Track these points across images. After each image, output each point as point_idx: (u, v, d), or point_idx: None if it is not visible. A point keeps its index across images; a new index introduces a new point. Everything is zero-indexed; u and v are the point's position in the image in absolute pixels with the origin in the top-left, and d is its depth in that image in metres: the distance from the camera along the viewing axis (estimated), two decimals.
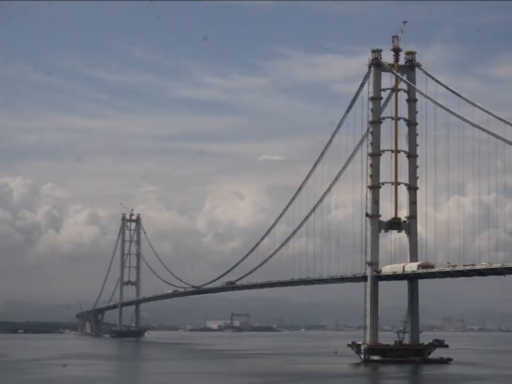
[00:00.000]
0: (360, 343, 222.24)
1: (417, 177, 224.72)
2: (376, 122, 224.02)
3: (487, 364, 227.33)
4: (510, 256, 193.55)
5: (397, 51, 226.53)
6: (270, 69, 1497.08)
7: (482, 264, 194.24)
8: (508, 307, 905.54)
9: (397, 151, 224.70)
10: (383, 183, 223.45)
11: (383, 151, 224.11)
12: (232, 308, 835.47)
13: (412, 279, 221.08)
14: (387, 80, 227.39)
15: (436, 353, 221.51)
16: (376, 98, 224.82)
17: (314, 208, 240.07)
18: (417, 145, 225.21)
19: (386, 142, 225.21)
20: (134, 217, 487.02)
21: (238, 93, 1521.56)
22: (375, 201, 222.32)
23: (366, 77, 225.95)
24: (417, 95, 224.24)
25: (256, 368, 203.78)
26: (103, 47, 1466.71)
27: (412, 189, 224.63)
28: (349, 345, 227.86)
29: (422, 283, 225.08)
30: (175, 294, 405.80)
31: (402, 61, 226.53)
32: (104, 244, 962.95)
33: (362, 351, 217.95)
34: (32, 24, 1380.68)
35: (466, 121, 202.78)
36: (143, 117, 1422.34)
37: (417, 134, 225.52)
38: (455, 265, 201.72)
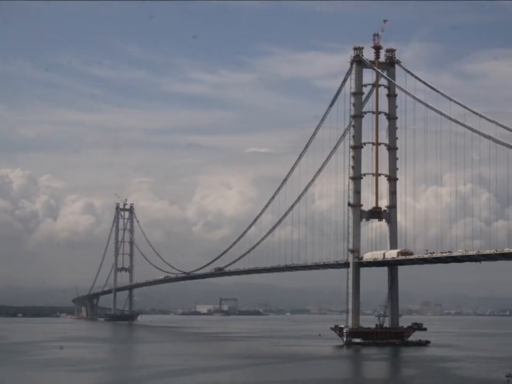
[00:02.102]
0: (342, 326, 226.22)
1: (397, 169, 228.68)
2: (358, 116, 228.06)
3: (463, 346, 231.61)
4: (485, 243, 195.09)
5: (377, 49, 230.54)
6: (257, 65, 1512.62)
7: (459, 251, 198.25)
8: (483, 292, 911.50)
9: (377, 144, 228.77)
10: (364, 174, 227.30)
11: (365, 143, 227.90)
12: (220, 293, 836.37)
13: (391, 265, 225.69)
14: (368, 76, 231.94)
15: (415, 336, 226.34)
16: (357, 94, 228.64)
17: (299, 198, 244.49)
18: (397, 138, 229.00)
19: (367, 135, 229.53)
20: (127, 207, 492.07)
21: (226, 89, 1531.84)
22: (357, 192, 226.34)
23: (348, 73, 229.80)
24: (397, 91, 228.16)
25: (243, 350, 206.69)
26: (98, 45, 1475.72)
27: (392, 179, 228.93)
28: (332, 328, 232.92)
29: (401, 269, 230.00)
30: (166, 280, 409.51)
31: (382, 58, 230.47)
32: (99, 232, 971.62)
33: (344, 334, 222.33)
34: (31, 23, 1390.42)
35: (444, 115, 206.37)
36: (136, 111, 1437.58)
37: (397, 128, 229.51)
38: (433, 252, 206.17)
